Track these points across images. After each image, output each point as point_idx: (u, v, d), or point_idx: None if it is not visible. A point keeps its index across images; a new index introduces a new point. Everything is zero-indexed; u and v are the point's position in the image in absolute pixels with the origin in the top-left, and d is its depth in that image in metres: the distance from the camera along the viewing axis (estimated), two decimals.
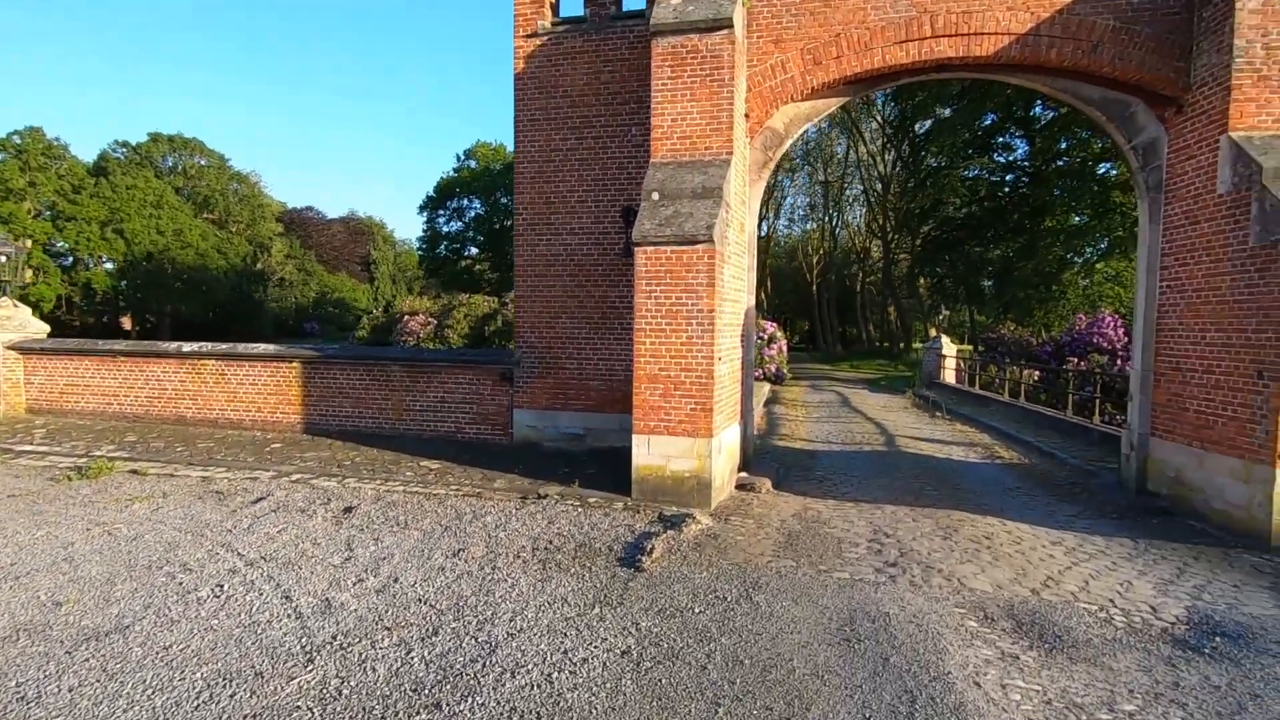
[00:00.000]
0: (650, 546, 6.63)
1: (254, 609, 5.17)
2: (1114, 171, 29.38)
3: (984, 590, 5.90)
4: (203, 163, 64.01)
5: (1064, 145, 31.69)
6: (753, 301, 9.95)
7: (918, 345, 49.14)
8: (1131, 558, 6.92)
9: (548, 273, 10.42)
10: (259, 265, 68.86)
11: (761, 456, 11.66)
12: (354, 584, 5.63)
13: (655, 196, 8.59)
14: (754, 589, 5.77)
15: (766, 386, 24.61)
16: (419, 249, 70.50)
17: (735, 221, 9.16)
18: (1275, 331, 7.05)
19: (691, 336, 8.19)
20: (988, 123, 33.49)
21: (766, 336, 29.16)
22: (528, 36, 10.35)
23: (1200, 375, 8.01)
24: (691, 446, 8.25)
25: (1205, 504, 7.92)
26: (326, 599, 5.32)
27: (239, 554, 6.26)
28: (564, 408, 10.44)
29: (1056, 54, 8.58)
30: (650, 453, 8.38)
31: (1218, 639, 5.12)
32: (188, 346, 11.77)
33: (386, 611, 5.13)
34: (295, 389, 11.39)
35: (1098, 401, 14.35)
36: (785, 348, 29.43)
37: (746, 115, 9.39)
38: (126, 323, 58.54)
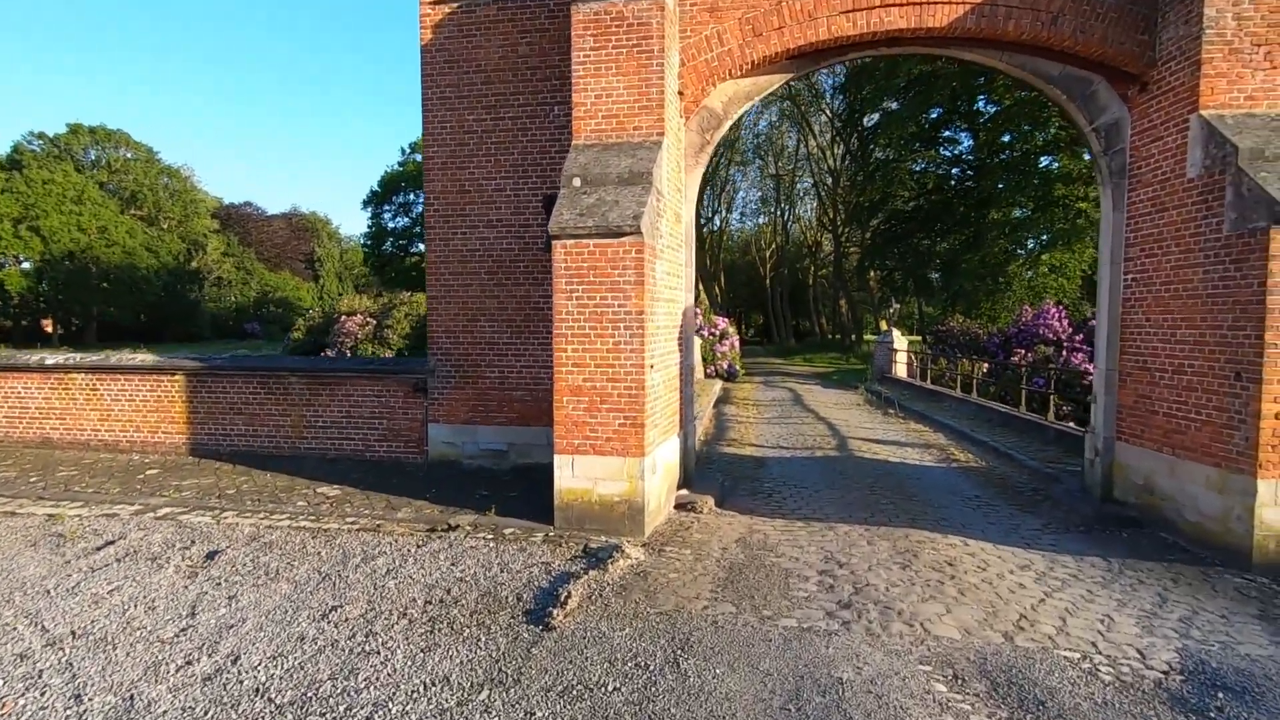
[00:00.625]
0: (566, 594, 5.57)
1: None
2: (1055, 165, 29.42)
3: (951, 638, 5.00)
4: (129, 155, 60.15)
5: (1007, 139, 31.70)
6: (692, 300, 8.96)
7: (869, 338, 49.19)
8: (1106, 583, 6.15)
9: (463, 270, 9.23)
10: (193, 264, 65.28)
11: (706, 467, 10.71)
12: (178, 669, 4.42)
13: (577, 183, 7.49)
14: (684, 650, 4.76)
15: (718, 384, 23.77)
16: (364, 246, 67.89)
17: (669, 211, 8.14)
18: (1254, 328, 6.36)
19: (619, 342, 7.14)
20: (934, 116, 33.31)
21: (719, 332, 28.35)
22: (435, 3, 9.11)
23: (1170, 375, 7.32)
24: (621, 467, 7.20)
25: (1177, 514, 7.24)
26: (131, 695, 4.10)
27: (43, 628, 4.97)
28: (485, 421, 9.29)
29: (1015, 26, 7.78)
30: (575, 475, 7.31)
31: (1220, 695, 4.32)
32: (51, 358, 10.20)
33: (206, 713, 3.94)
34: (179, 405, 9.96)
35: (1053, 400, 13.86)
36: (738, 344, 28.69)
37: (681, 93, 8.36)
38: (48, 326, 54.71)
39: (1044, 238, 28.23)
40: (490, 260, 9.17)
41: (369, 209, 63.79)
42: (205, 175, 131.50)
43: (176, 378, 9.92)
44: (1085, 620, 5.36)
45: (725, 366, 27.09)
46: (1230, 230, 6.61)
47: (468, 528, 7.34)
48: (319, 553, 6.56)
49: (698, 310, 27.81)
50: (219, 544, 6.80)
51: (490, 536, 7.08)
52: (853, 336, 51.50)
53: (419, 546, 6.76)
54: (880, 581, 6.05)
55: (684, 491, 8.70)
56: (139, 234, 56.67)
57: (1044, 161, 30.60)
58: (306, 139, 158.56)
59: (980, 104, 33.33)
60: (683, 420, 8.91)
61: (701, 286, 48.20)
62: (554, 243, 7.21)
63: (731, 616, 5.30)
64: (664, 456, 7.99)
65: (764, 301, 65.42)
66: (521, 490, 8.55)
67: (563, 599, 5.49)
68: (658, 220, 7.55)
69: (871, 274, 42.52)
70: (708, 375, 26.80)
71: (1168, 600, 5.79)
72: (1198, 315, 6.97)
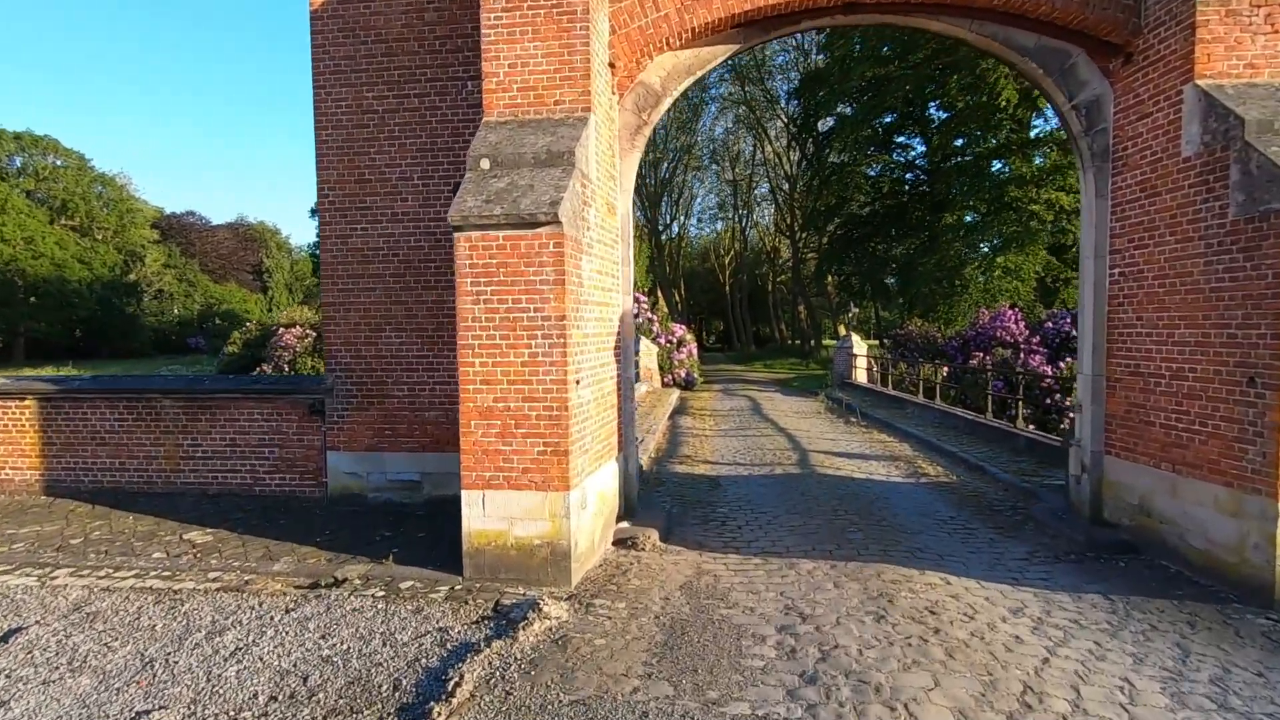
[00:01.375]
0: (458, 676, 4.29)
1: None
2: (1008, 169, 29.19)
3: None
4: (58, 163, 56.68)
5: (960, 143, 31.47)
6: (630, 304, 7.76)
7: (828, 343, 48.79)
8: (1115, 629, 5.12)
9: (365, 272, 7.88)
10: (131, 276, 61.82)
11: (654, 491, 9.50)
12: None
13: (485, 165, 6.24)
14: None
15: (675, 394, 22.66)
16: (312, 255, 65.31)
17: (599, 200, 6.94)
18: (1269, 326, 5.43)
19: (536, 354, 5.90)
20: (888, 120, 32.97)
21: (676, 340, 27.29)
22: None
23: (1168, 381, 6.38)
24: (542, 504, 5.95)
25: (1180, 540, 6.29)
26: None
27: None
28: (393, 447, 7.93)
29: None
30: (486, 514, 6.03)
31: None
32: None
33: None
34: (31, 435, 8.36)
35: (1021, 407, 13.06)
36: (695, 351, 27.67)
37: (612, 65, 7.18)
38: None
39: (996, 241, 27.89)
40: (396, 260, 7.84)
41: (316, 217, 61.44)
42: (145, 184, 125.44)
43: (27, 403, 8.33)
44: (1102, 689, 4.28)
45: (683, 375, 26.02)
46: (1237, 214, 5.70)
47: (357, 582, 5.99)
48: (154, 626, 5.15)
49: (653, 318, 26.73)
50: (27, 617, 5.32)
51: (381, 593, 5.75)
52: (812, 342, 51.07)
53: (288, 611, 5.39)
54: (851, 641, 4.91)
55: (624, 525, 7.47)
56: (70, 245, 53.37)
57: (996, 165, 30.46)
58: (252, 145, 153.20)
59: (932, 110, 33.18)
60: (622, 442, 7.69)
61: (660, 294, 47.25)
62: (456, 235, 5.94)
63: (667, 703, 4.09)
64: (597, 486, 6.75)
65: (724, 308, 64.79)
66: (432, 529, 7.23)
67: (450, 687, 4.20)
68: (583, 209, 6.35)
69: (829, 279, 42.06)
70: (665, 384, 25.69)
71: (1190, 653, 4.77)
72: (1199, 312, 6.04)
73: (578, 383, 6.12)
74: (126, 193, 63.14)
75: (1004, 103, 25.79)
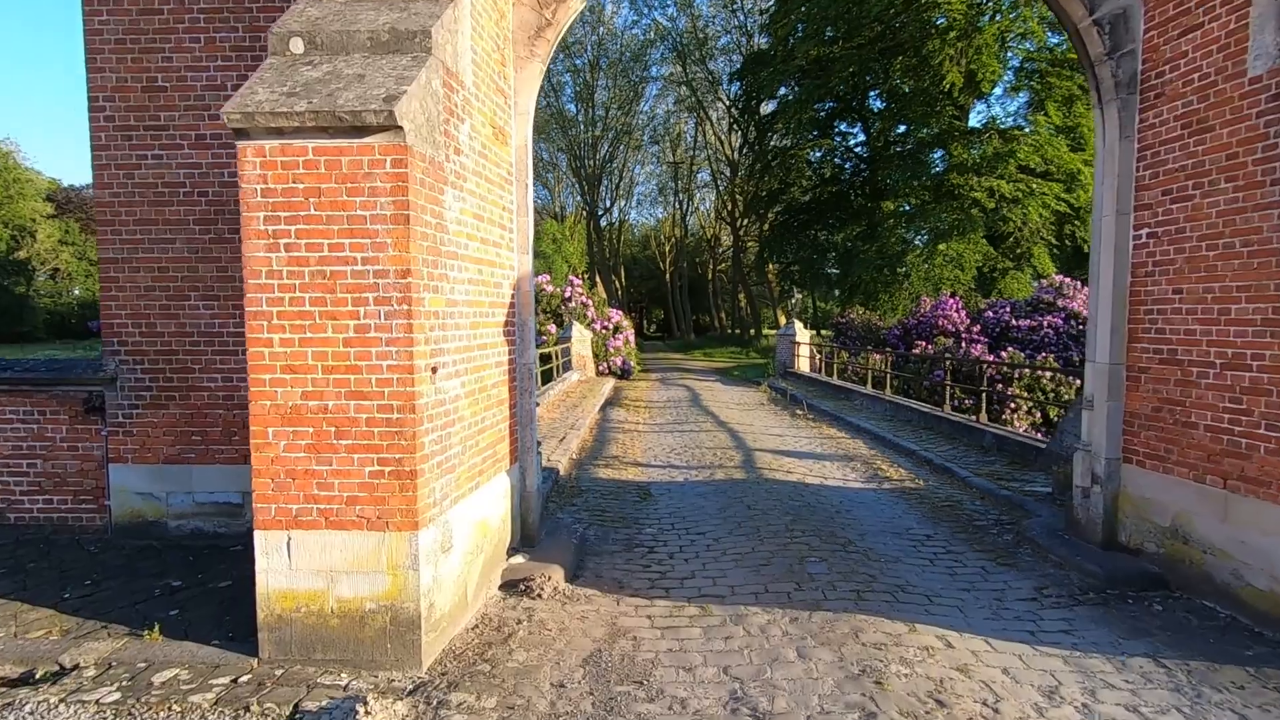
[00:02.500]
0: None
1: None
2: (948, 157, 28.39)
3: None
4: None
5: (901, 130, 30.55)
6: (528, 268, 5.77)
7: (769, 332, 47.85)
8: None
9: (159, 217, 5.63)
10: (21, 253, 55.63)
11: (569, 506, 7.59)
12: None
13: (298, 47, 4.14)
14: None
15: (610, 383, 20.77)
16: None
17: (478, 116, 4.91)
18: None
19: (367, 328, 3.88)
20: (830, 106, 31.79)
21: (612, 326, 25.37)
22: None
23: (1220, 372, 4.86)
24: (377, 550, 3.95)
25: (1234, 576, 4.79)
26: None
27: None
28: (204, 458, 5.74)
29: None
30: (294, 566, 3.98)
31: None
32: None
33: None
34: None
35: (984, 395, 11.77)
36: (633, 338, 25.82)
37: None
38: None
39: (941, 226, 27.04)
40: (204, 201, 5.61)
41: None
42: (37, 153, 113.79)
43: None
44: None
45: (619, 363, 24.14)
46: None
47: (89, 673, 3.86)
48: None
49: (588, 302, 24.73)
50: None
51: (116, 695, 3.64)
52: (752, 331, 50.09)
53: None
54: None
55: (519, 559, 5.53)
56: None
57: (937, 153, 29.68)
58: None
59: (873, 99, 32.19)
60: (517, 450, 5.72)
61: (599, 279, 45.22)
62: (240, 146, 3.83)
63: None
64: (474, 515, 4.78)
65: (664, 296, 63.33)
66: (246, 576, 5.11)
67: None
68: (446, 120, 4.32)
69: (770, 267, 40.91)
70: (600, 373, 23.76)
71: None
72: (1271, 281, 4.51)
73: (434, 371, 4.12)
74: (13, 161, 56.47)
75: (948, 85, 24.81)
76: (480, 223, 4.92)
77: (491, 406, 5.13)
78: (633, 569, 5.74)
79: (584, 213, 45.00)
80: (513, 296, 5.56)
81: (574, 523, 6.87)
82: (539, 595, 5.08)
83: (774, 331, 46.88)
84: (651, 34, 39.07)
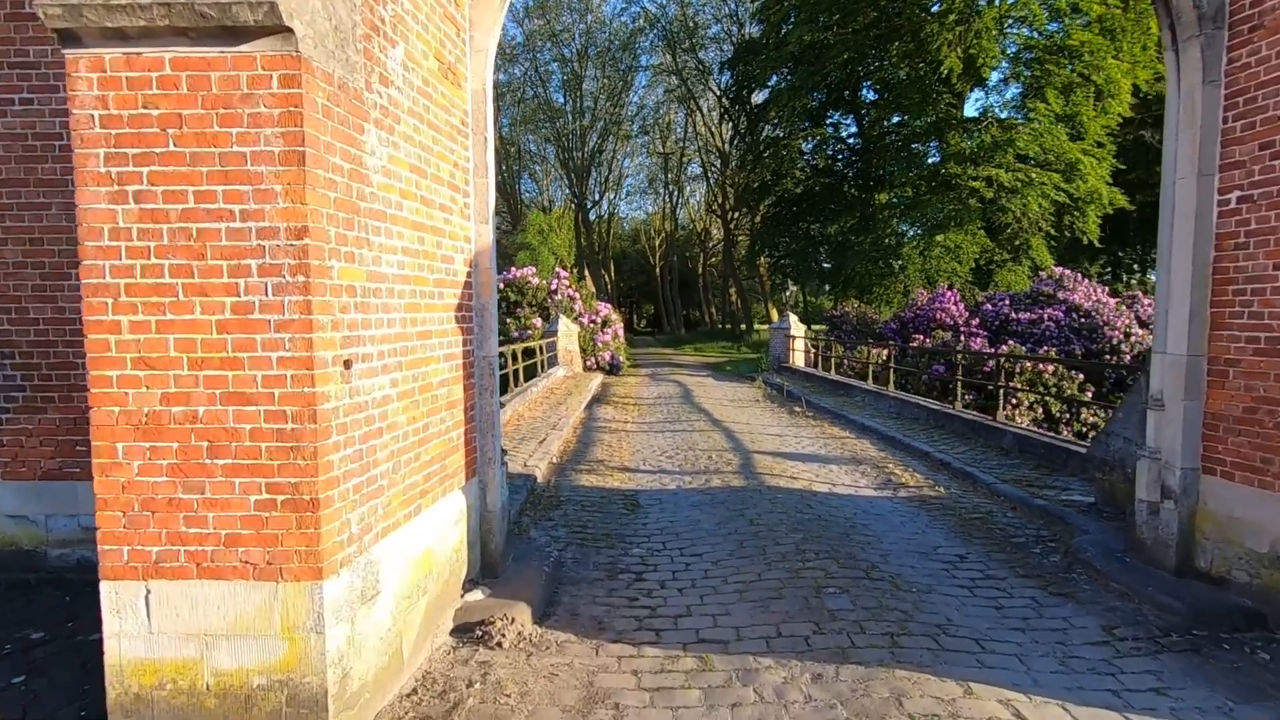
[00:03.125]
0: None
1: None
2: (944, 147, 27.47)
3: None
4: None
5: (896, 120, 29.60)
6: (489, 241, 4.72)
7: (760, 327, 46.96)
8: None
9: (29, 178, 4.52)
10: None
11: (544, 521, 6.56)
12: None
13: None
14: None
15: (598, 379, 19.74)
16: None
17: (417, 42, 3.84)
18: None
19: (250, 306, 2.83)
20: (823, 98, 30.81)
21: (600, 320, 24.33)
22: None
23: None
24: (267, 607, 2.91)
25: None
26: None
27: None
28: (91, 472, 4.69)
29: None
30: (155, 628, 2.94)
31: None
32: None
33: None
34: None
35: (1016, 392, 10.83)
36: (622, 332, 24.78)
37: None
38: None
39: (938, 217, 26.11)
40: None
41: None
42: None
43: None
44: None
45: (608, 358, 23.10)
46: None
47: None
48: None
49: (575, 295, 23.69)
50: None
51: None
52: (743, 326, 49.20)
53: None
54: None
55: (477, 595, 4.50)
56: None
57: (933, 143, 28.76)
58: None
59: (865, 91, 31.23)
60: (474, 462, 4.68)
61: (588, 273, 44.13)
62: (69, 56, 2.76)
63: None
64: (412, 549, 3.75)
65: (654, 291, 62.30)
66: None
67: None
68: (367, 36, 3.26)
69: (761, 260, 39.93)
70: (588, 368, 22.72)
71: None
72: None
73: (348, 365, 3.08)
74: None
75: (945, 71, 23.88)
76: (422, 179, 3.87)
77: (439, 410, 4.09)
78: (616, 603, 4.73)
79: (572, 205, 43.85)
80: (469, 275, 4.52)
81: (549, 543, 5.85)
82: (499, 644, 4.06)
83: (765, 326, 45.96)
84: (641, 22, 37.97)
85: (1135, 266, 43.21)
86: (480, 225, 4.62)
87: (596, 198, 47.56)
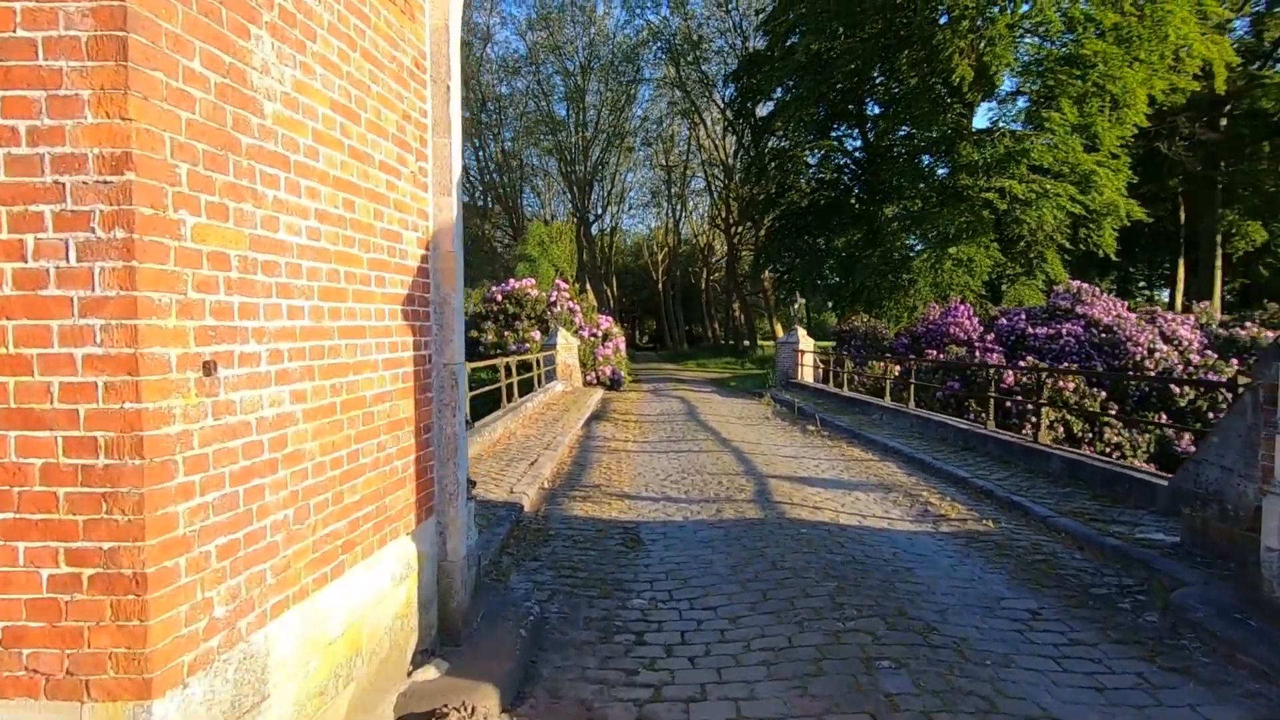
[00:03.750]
0: None
1: None
2: (952, 161, 26.56)
3: None
4: None
5: (904, 132, 28.80)
6: (452, 217, 3.72)
7: (764, 342, 46.00)
8: None
9: None
10: None
11: (528, 561, 5.51)
12: None
13: None
14: None
15: (598, 394, 18.72)
16: None
17: None
18: None
19: (41, 275, 1.82)
20: (828, 109, 30.09)
21: (601, 333, 23.38)
22: None
23: None
24: None
25: None
26: None
27: None
28: None
29: None
30: None
31: None
32: None
33: None
34: None
35: (1041, 409, 9.82)
36: (623, 346, 23.79)
37: None
38: None
39: (949, 230, 25.17)
40: None
41: None
42: None
43: None
44: None
45: (609, 373, 22.09)
46: None
47: None
48: None
49: (575, 308, 22.78)
50: None
51: None
52: (746, 341, 48.23)
53: None
54: None
55: (431, 672, 3.45)
56: None
57: (942, 154, 27.93)
58: None
59: (870, 105, 30.50)
60: (430, 499, 3.65)
61: (590, 287, 43.30)
62: None
63: None
64: (328, 624, 2.69)
65: (657, 306, 61.47)
66: None
67: None
68: None
69: (766, 275, 39.04)
70: (588, 383, 21.72)
71: None
72: None
73: (209, 370, 2.06)
74: None
75: (957, 79, 23.08)
76: (352, 125, 2.88)
77: (375, 433, 3.07)
78: (610, 678, 3.68)
79: (574, 219, 43.10)
80: (424, 258, 3.51)
81: (530, 591, 4.80)
82: None
83: (770, 342, 44.98)
84: (645, 34, 37.41)
85: (1144, 283, 42.23)
86: (441, 197, 3.63)
87: (599, 211, 46.86)
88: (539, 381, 16.79)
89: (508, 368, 13.63)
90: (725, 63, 38.60)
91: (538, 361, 16.98)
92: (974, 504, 7.23)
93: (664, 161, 45.08)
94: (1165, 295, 38.24)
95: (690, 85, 38.59)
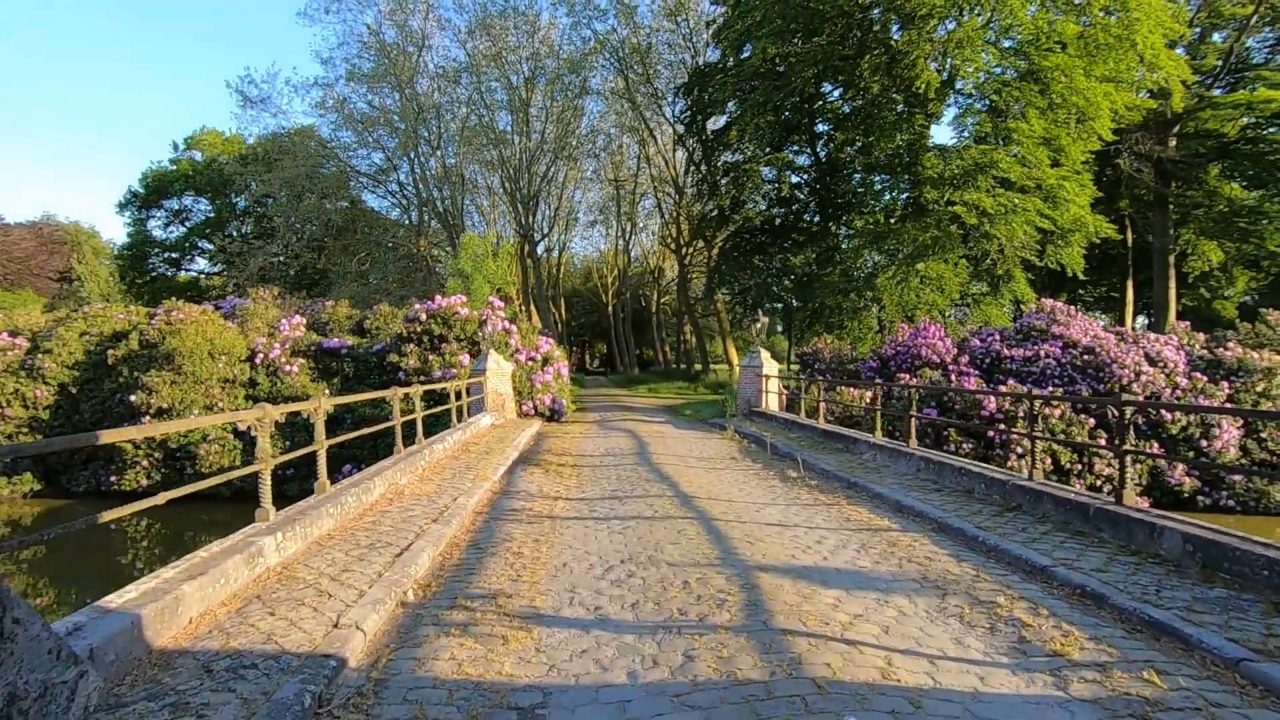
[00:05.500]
0: None
1: None
2: (913, 176, 24.75)
3: None
4: None
5: (866, 139, 26.92)
6: None
7: (717, 366, 43.58)
8: None
9: None
10: None
11: None
12: None
13: None
14: None
15: (533, 429, 15.57)
16: (118, 258, 52.46)
17: None
18: None
19: None
20: (787, 117, 28.04)
21: (540, 357, 20.25)
22: None
23: None
24: None
25: None
26: None
27: None
28: None
29: None
30: None
31: None
32: None
33: None
34: None
35: (1034, 440, 7.24)
36: (565, 371, 20.71)
37: None
38: None
39: (909, 248, 23.20)
40: None
41: (126, 213, 49.05)
42: None
43: None
44: None
45: (548, 401, 18.96)
46: None
47: None
48: None
49: (511, 328, 19.66)
50: None
51: None
52: (697, 366, 45.71)
53: None
54: None
55: None
56: None
57: (884, 178, 26.15)
58: (67, 139, 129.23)
59: (826, 118, 28.69)
60: None
61: (534, 308, 40.09)
62: None
63: None
64: None
65: (607, 330, 58.62)
66: None
67: None
68: None
69: (719, 296, 36.70)
70: (524, 413, 18.54)
71: None
72: None
73: None
74: None
75: (922, 85, 21.25)
76: None
77: None
78: None
79: (518, 235, 39.99)
80: None
81: None
82: None
83: (723, 365, 42.58)
84: (592, 45, 34.97)
85: (1092, 304, 41.60)
86: None
87: (546, 230, 43.85)
88: (459, 415, 13.59)
89: (408, 400, 10.44)
90: (675, 78, 36.53)
91: (457, 391, 13.79)
92: (1095, 625, 4.46)
93: (613, 177, 42.53)
94: (1104, 318, 37.51)
95: (639, 99, 36.29)
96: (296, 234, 38.62)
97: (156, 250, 49.86)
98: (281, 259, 41.32)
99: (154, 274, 50.11)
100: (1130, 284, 35.45)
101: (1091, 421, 17.21)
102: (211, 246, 47.73)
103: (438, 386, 12.49)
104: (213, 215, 48.27)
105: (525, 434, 14.08)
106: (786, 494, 8.65)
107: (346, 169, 39.35)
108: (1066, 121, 22.62)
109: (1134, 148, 27.05)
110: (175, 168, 48.88)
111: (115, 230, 77.85)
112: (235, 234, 45.19)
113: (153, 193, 48.41)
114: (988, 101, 23.41)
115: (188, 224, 49.49)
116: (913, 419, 10.52)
